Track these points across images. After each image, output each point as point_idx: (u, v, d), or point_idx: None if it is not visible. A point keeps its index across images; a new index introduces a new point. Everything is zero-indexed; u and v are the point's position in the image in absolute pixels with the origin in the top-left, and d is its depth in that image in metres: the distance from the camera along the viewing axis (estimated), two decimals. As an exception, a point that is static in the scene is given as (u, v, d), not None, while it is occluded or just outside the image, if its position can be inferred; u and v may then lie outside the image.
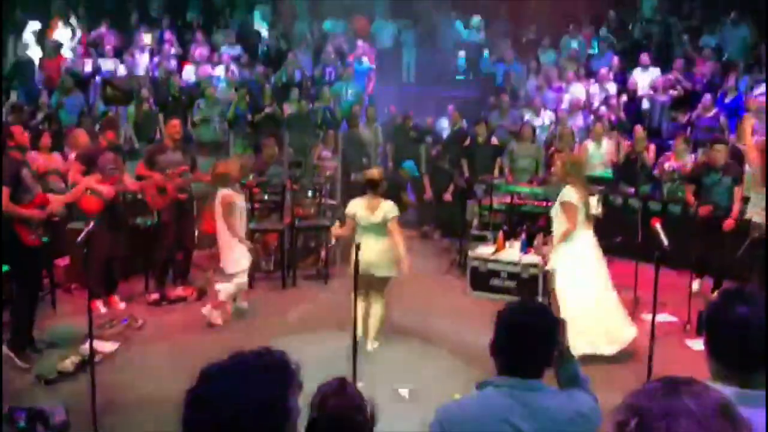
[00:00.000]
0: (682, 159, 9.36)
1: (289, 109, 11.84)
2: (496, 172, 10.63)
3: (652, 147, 10.22)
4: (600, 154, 10.45)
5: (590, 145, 10.48)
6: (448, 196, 10.82)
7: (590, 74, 12.89)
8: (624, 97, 12.13)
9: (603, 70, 12.55)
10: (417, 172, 10.77)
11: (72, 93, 12.04)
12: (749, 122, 9.40)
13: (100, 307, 7.48)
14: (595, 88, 12.40)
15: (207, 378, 1.64)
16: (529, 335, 2.44)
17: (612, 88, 12.34)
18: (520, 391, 2.42)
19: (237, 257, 7.38)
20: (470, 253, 8.64)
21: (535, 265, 8.13)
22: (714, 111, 10.89)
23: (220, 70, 13.26)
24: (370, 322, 6.71)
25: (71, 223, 7.69)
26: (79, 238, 5.11)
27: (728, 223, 7.89)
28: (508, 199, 9.33)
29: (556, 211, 6.61)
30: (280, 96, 12.49)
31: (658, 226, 5.32)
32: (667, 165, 9.49)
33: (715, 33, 13.14)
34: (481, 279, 8.41)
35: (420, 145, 11.44)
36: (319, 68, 13.82)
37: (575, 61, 13.28)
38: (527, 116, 11.82)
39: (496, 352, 2.50)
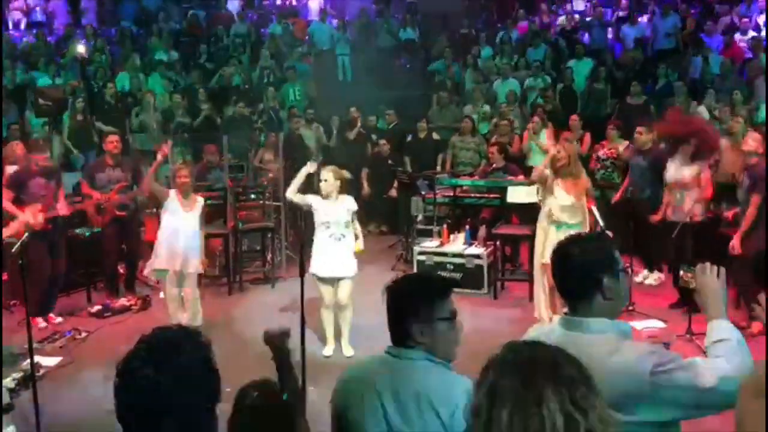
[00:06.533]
0: (614, 146, 9.48)
1: (227, 112, 11.71)
2: (439, 167, 10.71)
3: (588, 136, 10.39)
4: (540, 144, 10.56)
5: (531, 135, 10.58)
6: (392, 192, 10.86)
7: (526, 66, 13.06)
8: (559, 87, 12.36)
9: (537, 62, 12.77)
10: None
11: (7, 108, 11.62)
12: None
13: (40, 322, 7.32)
14: (531, 80, 12.56)
15: (129, 371, 1.64)
16: (395, 306, 2.49)
17: (547, 79, 12.54)
18: (394, 359, 2.46)
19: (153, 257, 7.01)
20: (416, 248, 8.71)
21: (479, 256, 8.24)
22: (643, 98, 11.21)
23: (156, 77, 13.04)
24: (343, 326, 6.69)
25: (6, 239, 7.48)
26: (14, 249, 5.00)
27: (655, 219, 7.62)
28: (451, 193, 9.42)
29: None
30: (218, 100, 12.37)
31: (593, 208, 5.45)
32: (601, 153, 9.60)
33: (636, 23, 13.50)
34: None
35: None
36: (257, 71, 13.72)
37: (511, 54, 13.47)
38: (468, 110, 11.91)
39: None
